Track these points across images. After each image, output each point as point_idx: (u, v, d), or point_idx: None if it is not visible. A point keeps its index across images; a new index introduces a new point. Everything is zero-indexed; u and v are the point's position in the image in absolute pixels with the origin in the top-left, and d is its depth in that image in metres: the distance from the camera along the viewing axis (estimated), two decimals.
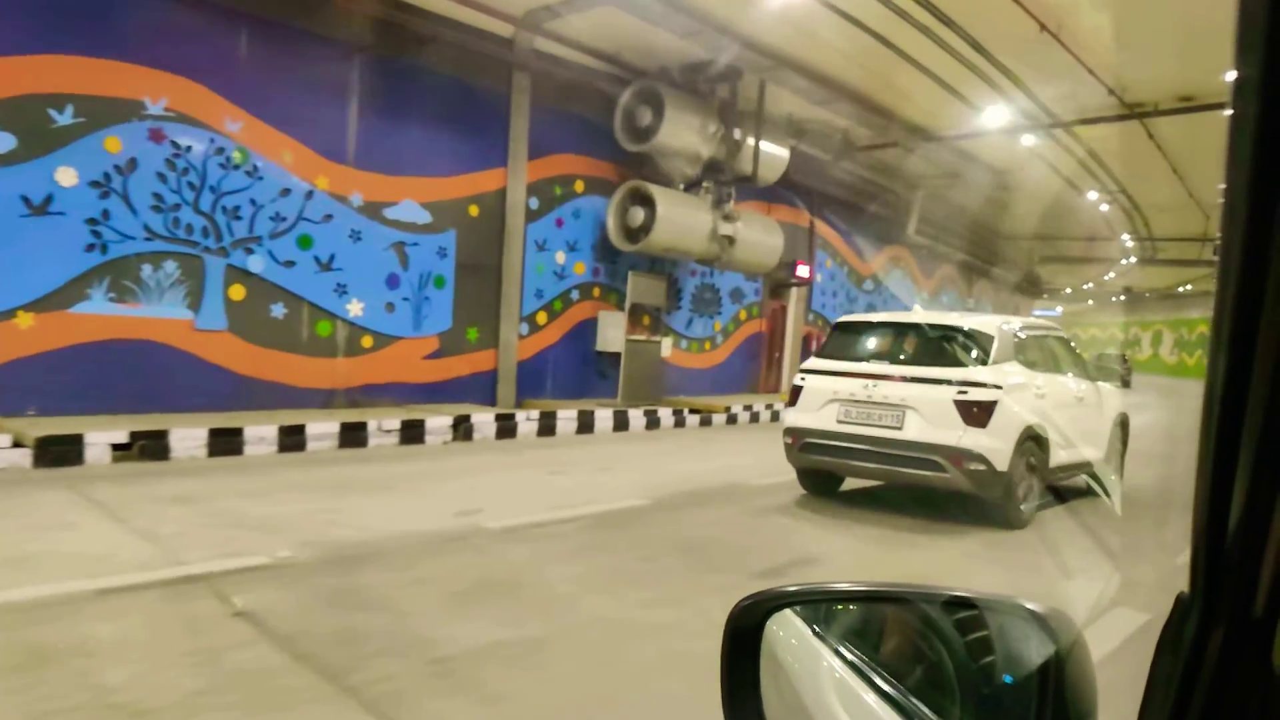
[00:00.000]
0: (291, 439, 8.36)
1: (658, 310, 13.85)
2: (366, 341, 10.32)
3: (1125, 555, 6.10)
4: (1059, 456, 6.98)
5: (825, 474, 7.42)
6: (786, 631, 1.00)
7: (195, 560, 4.39)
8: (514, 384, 11.94)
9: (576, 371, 12.99)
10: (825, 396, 6.95)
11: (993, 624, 0.91)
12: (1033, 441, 6.54)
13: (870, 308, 20.82)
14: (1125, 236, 27.34)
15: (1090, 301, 59.71)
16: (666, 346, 14.09)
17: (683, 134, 12.42)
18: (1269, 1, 0.47)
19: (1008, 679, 0.88)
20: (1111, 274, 42.27)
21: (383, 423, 9.15)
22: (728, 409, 13.77)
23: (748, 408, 14.29)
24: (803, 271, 17.66)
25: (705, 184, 13.21)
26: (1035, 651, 0.81)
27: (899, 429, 6.47)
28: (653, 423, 12.37)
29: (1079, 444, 7.48)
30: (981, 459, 6.18)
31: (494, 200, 11.58)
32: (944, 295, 25.47)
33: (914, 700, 0.90)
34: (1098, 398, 7.91)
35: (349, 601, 3.92)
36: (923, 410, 6.41)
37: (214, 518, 5.36)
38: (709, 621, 3.90)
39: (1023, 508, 6.56)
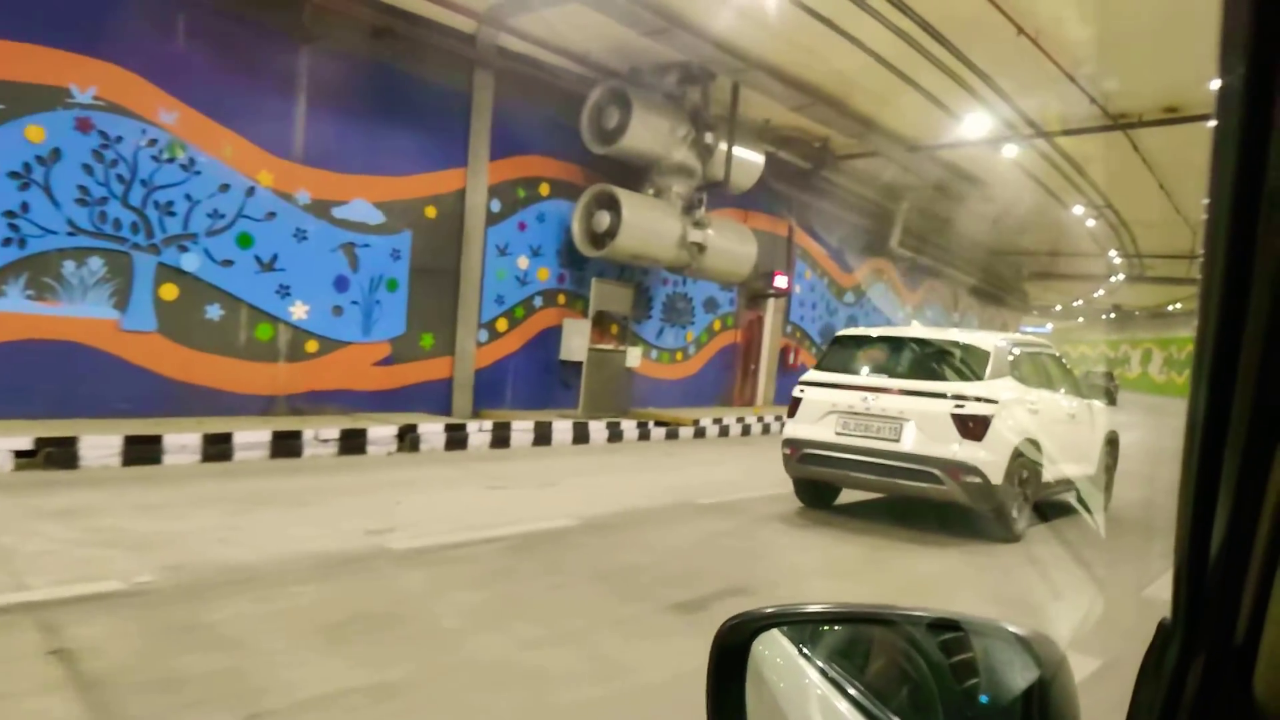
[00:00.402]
0: (216, 448, 7.89)
1: (625, 319, 13.42)
2: (311, 346, 9.86)
3: (1096, 588, 5.69)
4: (1051, 472, 7.05)
5: (821, 485, 7.48)
6: (772, 651, 1.00)
7: (40, 585, 3.93)
8: (471, 393, 11.49)
9: (539, 381, 12.55)
10: (824, 408, 7.00)
11: (977, 646, 0.91)
12: (1026, 456, 6.62)
13: (851, 320, 20.44)
14: (1112, 253, 27.05)
15: (1080, 319, 59.61)
16: (634, 356, 13.65)
17: (651, 136, 12.03)
18: (1252, 10, 0.48)
19: (992, 702, 0.88)
20: (1100, 291, 42.07)
21: (320, 432, 8.69)
22: (696, 422, 13.33)
23: (718, 421, 13.86)
24: (780, 282, 17.26)
25: (676, 189, 12.80)
26: (1019, 675, 0.81)
27: (897, 441, 6.55)
28: (615, 435, 11.92)
29: (1070, 460, 7.59)
30: (977, 472, 6.26)
31: (453, 201, 11.15)
32: (928, 309, 25.11)
33: None
34: (1089, 415, 8.01)
35: (194, 638, 3.46)
36: (920, 423, 6.49)
37: (91, 535, 4.90)
38: (598, 664, 3.46)
39: (1016, 521, 6.61)
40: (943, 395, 6.52)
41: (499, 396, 12.05)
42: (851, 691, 0.96)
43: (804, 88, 12.72)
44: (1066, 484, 7.60)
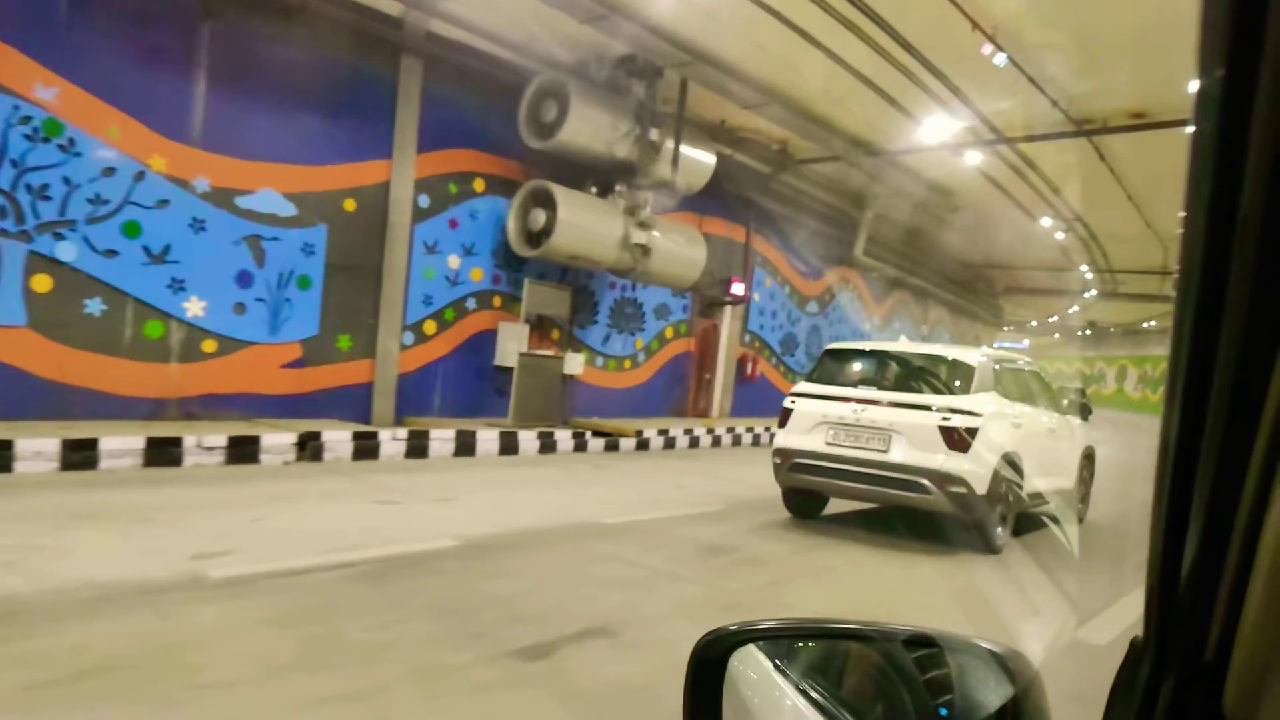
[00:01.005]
0: (79, 455, 7.14)
1: (563, 323, 12.73)
2: (209, 346, 9.13)
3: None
4: (1032, 484, 7.26)
5: (809, 495, 7.69)
6: (749, 666, 1.01)
7: None
8: (393, 399, 10.78)
9: (472, 387, 11.84)
10: (814, 419, 7.17)
11: (952, 663, 0.93)
12: (1009, 468, 6.82)
13: (814, 330, 19.87)
14: (1084, 267, 26.67)
15: (1056, 335, 59.59)
16: (576, 363, 12.98)
17: (591, 131, 11.38)
18: (1230, 12, 0.49)
19: (966, 717, 0.89)
20: (1075, 308, 41.86)
21: (203, 439, 7.95)
22: (638, 433, 12.66)
23: (663, 432, 13.19)
24: (737, 289, 16.64)
25: (619, 188, 12.17)
26: (993, 691, 0.83)
27: (885, 452, 6.75)
28: (548, 446, 11.23)
29: (1050, 473, 7.83)
30: (962, 482, 6.46)
31: (375, 195, 10.46)
32: (897, 321, 24.59)
33: None
34: (1068, 430, 8.29)
35: None
36: (908, 434, 6.69)
37: None
38: None
39: (999, 532, 6.80)
40: (930, 408, 6.73)
41: (427, 403, 11.34)
42: (827, 707, 0.97)
43: (756, 85, 12.13)
44: (1047, 496, 7.80)
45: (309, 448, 8.73)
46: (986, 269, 29.17)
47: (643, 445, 12.68)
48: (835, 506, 8.06)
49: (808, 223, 18.55)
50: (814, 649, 1.08)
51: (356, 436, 9.21)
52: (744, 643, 1.00)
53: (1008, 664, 0.83)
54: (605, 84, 11.82)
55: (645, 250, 12.26)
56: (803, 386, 7.58)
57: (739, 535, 6.74)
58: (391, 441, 9.52)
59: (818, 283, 19.93)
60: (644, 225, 12.27)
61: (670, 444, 13.21)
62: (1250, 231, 0.49)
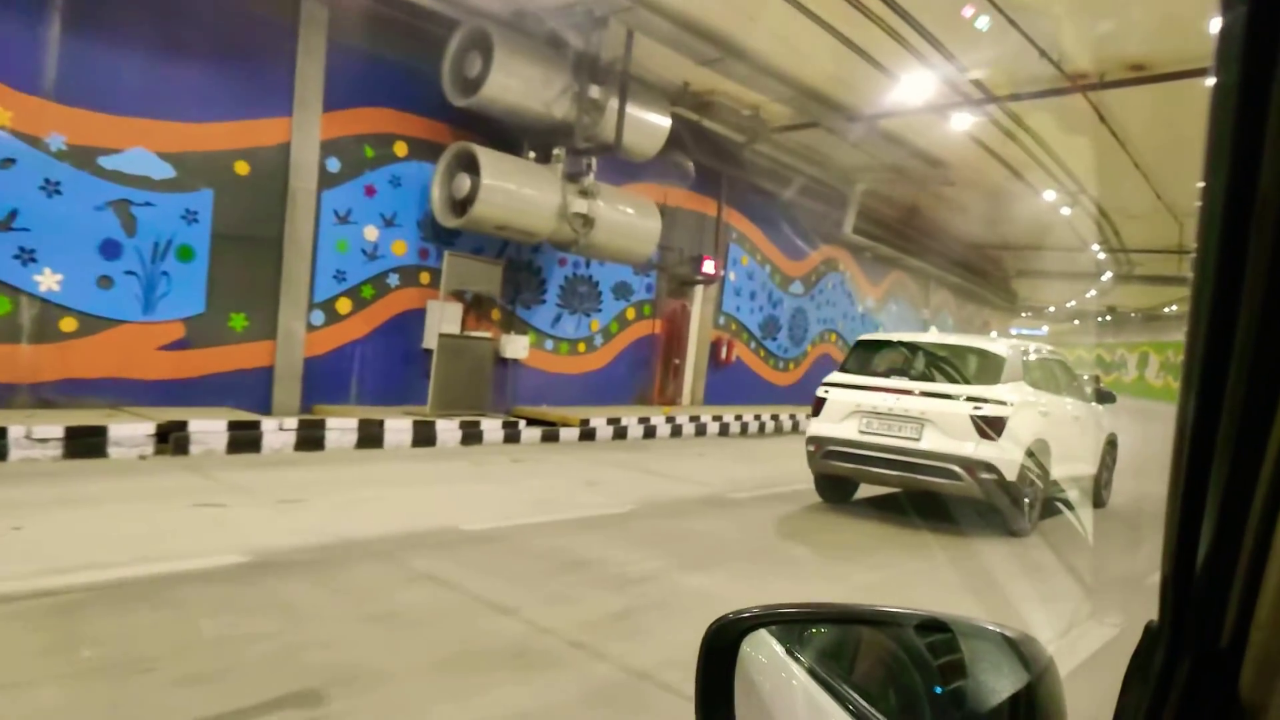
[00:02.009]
0: None
1: (495, 301, 11.59)
2: (68, 324, 8.11)
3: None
4: (1058, 470, 7.45)
5: (841, 481, 7.92)
6: (760, 651, 1.00)
7: None
8: (298, 385, 9.74)
9: (396, 373, 10.78)
10: (848, 409, 7.38)
11: (965, 648, 0.93)
12: (1037, 455, 7.06)
13: (798, 313, 18.66)
14: (1096, 247, 25.20)
15: (1076, 321, 57.91)
16: (519, 346, 11.91)
17: (521, 88, 10.25)
18: (1248, 12, 0.48)
19: (979, 703, 0.88)
20: (1093, 292, 40.25)
21: (34, 429, 6.93)
22: (584, 422, 11.57)
23: (614, 421, 12.09)
24: (709, 267, 15.49)
25: (557, 152, 11.03)
26: (1007, 676, 0.82)
27: (918, 440, 6.96)
28: (472, 437, 10.16)
29: (1075, 460, 8.03)
30: (993, 469, 6.69)
31: (273, 157, 9.38)
32: (893, 304, 23.30)
33: None
34: (1091, 417, 8.53)
35: None
36: (940, 423, 6.90)
37: None
38: None
39: (1028, 516, 7.04)
40: (960, 398, 6.95)
41: (341, 390, 10.29)
42: (839, 691, 0.96)
43: (712, 37, 10.93)
44: (1071, 481, 8.03)
45: (171, 439, 7.70)
46: (993, 250, 27.75)
47: (587, 435, 11.58)
48: (756, 505, 6.94)
49: (790, 198, 17.32)
50: (826, 634, 1.07)
51: (234, 426, 8.17)
52: (755, 627, 0.99)
53: (1021, 649, 0.82)
54: (545, 37, 10.68)
55: (587, 221, 11.13)
56: (836, 377, 7.78)
57: (621, 546, 5.64)
58: (278, 432, 8.48)
59: (803, 262, 18.68)
60: (586, 194, 11.14)
61: (621, 434, 12.10)
62: (1271, 205, 0.48)
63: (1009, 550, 6.64)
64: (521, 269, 12.18)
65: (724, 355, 16.23)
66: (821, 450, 7.50)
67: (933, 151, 16.55)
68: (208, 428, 7.98)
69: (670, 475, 9.03)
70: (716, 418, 14.13)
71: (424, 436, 9.64)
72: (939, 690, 0.93)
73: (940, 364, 7.46)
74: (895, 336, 8.48)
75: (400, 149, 10.58)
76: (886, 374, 7.50)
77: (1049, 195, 18.49)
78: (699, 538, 6.18)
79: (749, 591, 4.93)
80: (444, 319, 10.77)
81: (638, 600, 4.51)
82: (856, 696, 0.94)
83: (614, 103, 11.10)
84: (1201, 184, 0.50)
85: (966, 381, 7.18)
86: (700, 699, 0.96)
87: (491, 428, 10.43)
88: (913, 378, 7.35)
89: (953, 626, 0.93)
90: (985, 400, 6.84)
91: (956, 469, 6.76)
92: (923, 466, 6.91)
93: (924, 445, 6.90)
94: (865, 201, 19.10)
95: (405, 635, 3.70)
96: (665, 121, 12.02)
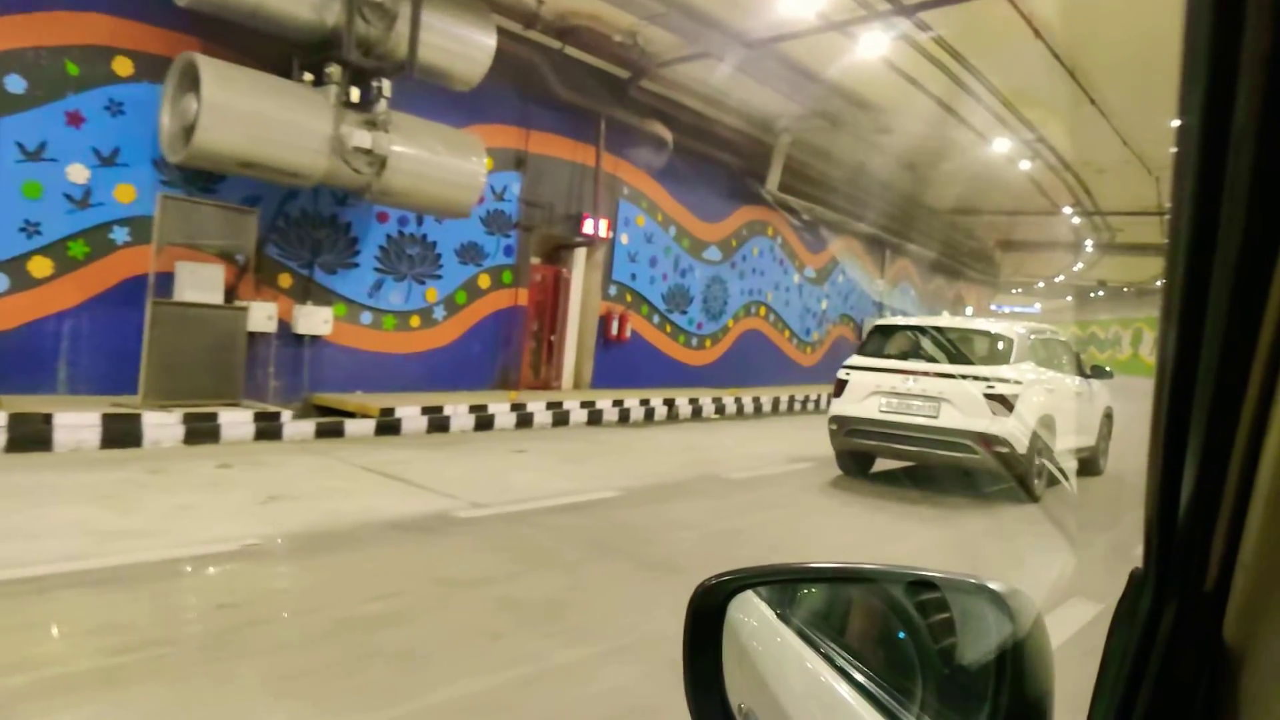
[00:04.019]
0: None
1: (243, 260, 9.23)
2: None
3: None
4: (1063, 441, 8.08)
5: (861, 456, 8.49)
6: (749, 614, 1.01)
7: None
8: None
9: (126, 354, 8.50)
10: (868, 389, 7.94)
11: (954, 605, 0.92)
12: (1045, 428, 7.68)
13: (716, 283, 16.34)
14: (1069, 210, 22.83)
15: (1069, 298, 55.74)
16: (318, 319, 9.66)
17: None
18: (1210, 51, 0.48)
19: (967, 658, 0.88)
20: (1079, 265, 37.99)
21: None
22: (387, 412, 9.32)
23: (432, 410, 9.83)
24: (597, 229, 13.20)
25: (329, 71, 8.72)
26: (994, 631, 0.82)
27: (935, 417, 7.55)
28: (204, 435, 7.92)
29: (1078, 432, 8.63)
30: (1006, 442, 7.30)
31: None
32: (840, 274, 20.95)
33: (876, 680, 0.93)
34: (1090, 392, 9.01)
35: None
36: (956, 401, 7.48)
37: None
38: None
39: (1037, 485, 7.63)
40: (974, 378, 7.50)
41: (43, 375, 8.04)
42: (829, 651, 0.97)
43: None
44: (1074, 451, 8.68)
45: None
46: (960, 216, 25.36)
47: (388, 429, 9.33)
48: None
49: (701, 150, 14.97)
50: (814, 595, 1.08)
51: None
52: (742, 588, 0.98)
53: (1009, 604, 0.81)
54: None
55: (375, 160, 8.82)
56: (855, 359, 8.30)
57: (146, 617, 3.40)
58: None
59: (719, 225, 16.32)
60: (374, 125, 8.83)
61: (440, 426, 9.85)
62: (1249, 130, 0.47)
63: (1021, 513, 7.40)
64: (319, 224, 9.88)
65: (616, 330, 13.94)
66: (844, 428, 8.10)
67: (860, 93, 14.21)
68: None
69: (418, 484, 6.78)
70: (586, 404, 11.87)
71: (122, 435, 7.39)
72: (928, 648, 0.91)
73: (954, 346, 8.05)
74: (910, 321, 9.39)
75: (123, 66, 8.27)
76: (903, 356, 8.07)
77: (1002, 145, 16.13)
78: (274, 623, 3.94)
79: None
80: (203, 285, 8.51)
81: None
82: (847, 656, 0.96)
83: (408, 10, 8.78)
84: (1176, 120, 0.50)
85: (978, 362, 7.73)
86: (688, 663, 0.94)
87: (236, 421, 8.18)
88: (928, 359, 7.92)
89: (940, 584, 0.92)
90: (998, 380, 7.38)
91: (972, 443, 7.31)
92: (940, 441, 7.46)
93: (941, 422, 7.45)
94: (796, 156, 16.77)
95: None
96: (488, 40, 9.67)
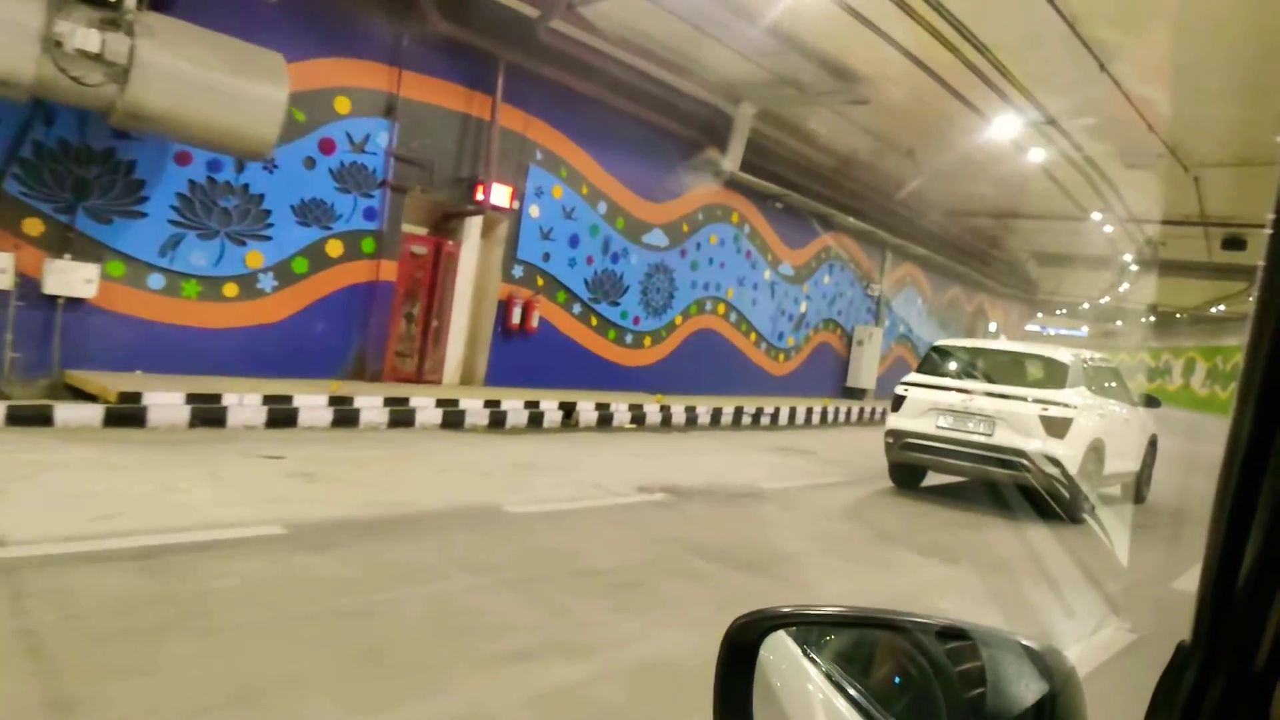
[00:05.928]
0: None
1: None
2: None
3: None
4: (1109, 466, 8.35)
5: (913, 470, 8.96)
6: (778, 653, 0.99)
7: None
8: None
9: None
10: (926, 406, 8.37)
11: (985, 656, 0.89)
12: (1094, 453, 8.02)
13: (661, 271, 14.09)
14: (1098, 216, 20.09)
15: (1119, 322, 52.28)
16: (79, 278, 7.72)
17: None
18: None
19: (997, 713, 0.85)
20: (1125, 285, 34.83)
21: None
22: (128, 398, 7.32)
23: (209, 399, 7.80)
24: (498, 197, 11.09)
25: None
26: (1028, 687, 0.80)
27: (990, 436, 7.94)
28: None
29: (1124, 457, 8.90)
30: (1058, 464, 7.63)
31: None
32: (826, 274, 18.54)
33: None
34: (1137, 420, 9.34)
35: None
36: (1011, 421, 7.87)
37: None
38: None
39: (1084, 506, 7.86)
40: (1030, 400, 7.93)
41: None
42: (856, 696, 0.95)
43: None
44: (1120, 476, 9.02)
45: None
46: (978, 219, 22.72)
47: (131, 420, 7.32)
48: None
49: (642, 115, 12.79)
50: (843, 637, 1.07)
51: None
52: (775, 628, 0.98)
53: (1044, 660, 0.80)
54: None
55: (111, 69, 6.82)
56: (914, 377, 8.81)
57: None
58: None
59: (665, 205, 14.06)
60: (113, 24, 6.82)
61: (215, 421, 7.81)
62: None
63: (1067, 534, 7.44)
64: (87, 159, 7.92)
65: (519, 319, 11.81)
66: (900, 442, 8.49)
67: (832, 55, 11.90)
68: None
69: None
70: (444, 403, 9.74)
71: None
72: (957, 698, 0.89)
73: (1010, 368, 8.54)
74: (969, 343, 9.97)
75: None
76: (960, 376, 8.54)
77: (1009, 123, 13.63)
78: None
79: None
80: None
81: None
82: (873, 701, 0.94)
83: None
84: None
85: (1034, 385, 8.18)
86: (718, 698, 0.93)
87: None
88: (986, 380, 8.32)
89: (972, 634, 0.91)
90: (1053, 403, 7.81)
91: (1025, 462, 7.69)
92: (994, 459, 7.88)
93: (996, 440, 7.88)
94: (765, 133, 14.48)
95: None
96: None
